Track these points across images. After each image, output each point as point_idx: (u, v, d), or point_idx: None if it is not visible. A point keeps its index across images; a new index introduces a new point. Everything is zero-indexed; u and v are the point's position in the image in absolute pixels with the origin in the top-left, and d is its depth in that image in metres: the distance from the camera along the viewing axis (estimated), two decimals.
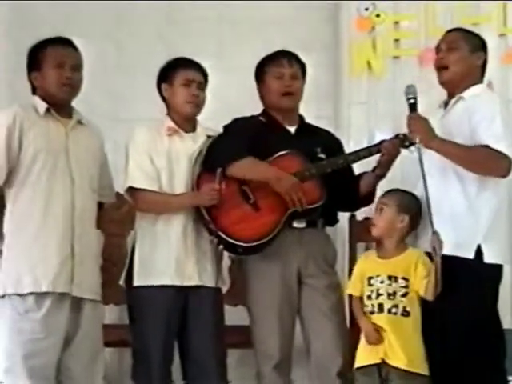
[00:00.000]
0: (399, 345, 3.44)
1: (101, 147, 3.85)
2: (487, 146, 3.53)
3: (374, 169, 3.93)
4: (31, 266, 3.53)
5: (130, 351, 4.25)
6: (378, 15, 5.06)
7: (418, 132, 3.61)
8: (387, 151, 3.84)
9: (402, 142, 3.80)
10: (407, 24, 5.09)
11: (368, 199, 3.99)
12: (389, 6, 5.07)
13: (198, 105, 3.90)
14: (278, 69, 3.96)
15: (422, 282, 3.47)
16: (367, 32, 5.08)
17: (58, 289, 3.53)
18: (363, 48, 5.06)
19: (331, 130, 4.22)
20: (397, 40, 5.09)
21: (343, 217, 4.46)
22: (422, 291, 3.47)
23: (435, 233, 3.46)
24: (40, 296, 3.51)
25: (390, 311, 3.50)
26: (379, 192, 3.93)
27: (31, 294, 3.50)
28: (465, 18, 4.84)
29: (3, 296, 3.53)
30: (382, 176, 3.92)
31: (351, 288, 3.70)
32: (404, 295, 3.50)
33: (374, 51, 5.06)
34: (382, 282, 3.55)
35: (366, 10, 5.08)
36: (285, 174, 3.77)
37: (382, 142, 3.90)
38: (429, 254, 3.51)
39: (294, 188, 3.73)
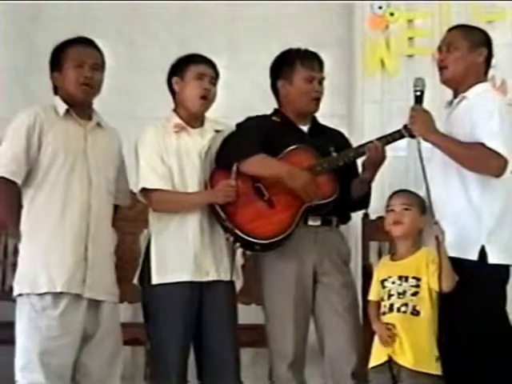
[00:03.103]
0: (408, 343, 3.42)
1: (119, 150, 3.85)
2: (483, 144, 3.51)
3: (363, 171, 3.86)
4: (47, 266, 3.53)
5: (143, 350, 4.25)
6: (391, 13, 5.07)
7: (417, 124, 3.60)
8: (370, 154, 3.76)
9: (400, 136, 3.73)
10: (421, 22, 5.09)
11: (361, 204, 3.99)
12: (402, 4, 5.09)
13: (209, 100, 3.86)
14: (311, 72, 3.90)
15: (434, 276, 3.45)
16: (381, 30, 5.09)
17: (73, 290, 3.54)
18: (377, 46, 5.07)
19: (345, 128, 4.21)
20: (411, 38, 5.11)
21: (356, 216, 4.45)
22: (435, 285, 3.44)
23: (436, 223, 3.45)
24: (56, 295, 3.51)
25: (399, 310, 3.48)
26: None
27: (48, 293, 3.50)
28: (479, 16, 4.83)
29: (21, 294, 3.54)
30: (369, 181, 3.85)
31: (370, 293, 3.68)
32: (414, 294, 3.48)
33: (388, 49, 5.07)
34: (393, 283, 3.54)
35: (380, 8, 5.09)
36: (297, 169, 3.74)
37: (395, 132, 3.79)
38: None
39: (308, 183, 3.71)
